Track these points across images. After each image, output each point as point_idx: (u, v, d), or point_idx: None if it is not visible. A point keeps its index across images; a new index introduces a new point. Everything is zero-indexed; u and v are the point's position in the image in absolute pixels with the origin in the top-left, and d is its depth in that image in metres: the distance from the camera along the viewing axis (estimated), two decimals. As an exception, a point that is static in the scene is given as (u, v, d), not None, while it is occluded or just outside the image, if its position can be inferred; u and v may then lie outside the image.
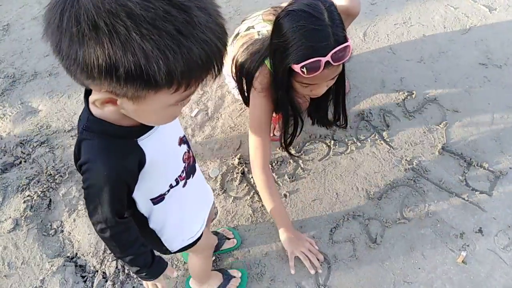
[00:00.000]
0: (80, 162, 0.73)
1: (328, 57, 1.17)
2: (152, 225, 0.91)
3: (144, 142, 0.76)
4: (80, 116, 0.76)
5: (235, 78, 1.61)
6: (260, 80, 1.45)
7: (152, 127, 0.76)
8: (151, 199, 0.85)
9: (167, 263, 0.92)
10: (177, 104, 0.66)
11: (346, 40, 1.21)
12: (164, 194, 0.86)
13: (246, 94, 1.58)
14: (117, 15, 0.51)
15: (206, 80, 0.64)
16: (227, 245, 1.54)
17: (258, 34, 1.55)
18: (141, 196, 0.83)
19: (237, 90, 1.80)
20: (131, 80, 0.56)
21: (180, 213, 0.95)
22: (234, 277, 1.45)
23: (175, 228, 0.96)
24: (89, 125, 0.71)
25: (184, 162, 0.89)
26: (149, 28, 0.52)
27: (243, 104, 1.99)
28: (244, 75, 1.52)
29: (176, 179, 0.88)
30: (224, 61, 0.64)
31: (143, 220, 0.89)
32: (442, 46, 2.19)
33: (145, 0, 0.52)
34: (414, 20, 2.33)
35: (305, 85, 1.33)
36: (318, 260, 1.48)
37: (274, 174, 1.76)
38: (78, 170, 0.76)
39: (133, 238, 0.82)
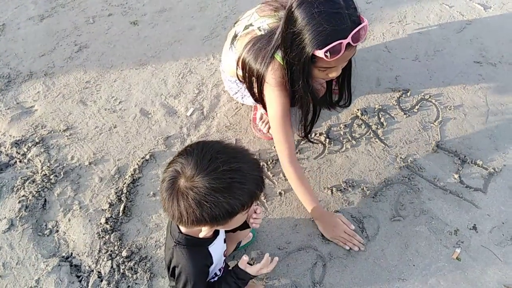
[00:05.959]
0: (174, 264, 1.12)
1: (348, 39, 1.21)
2: None
3: (212, 248, 1.15)
4: (171, 228, 1.14)
5: (243, 79, 1.59)
6: (273, 74, 1.45)
7: (215, 237, 1.15)
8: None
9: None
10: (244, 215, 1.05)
11: (361, 20, 1.24)
12: (212, 278, 1.26)
13: (257, 92, 1.56)
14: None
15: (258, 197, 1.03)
16: (244, 241, 1.57)
17: (260, 30, 1.53)
18: None
19: (239, 95, 1.78)
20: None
21: None
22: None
23: None
24: (180, 240, 1.10)
25: (224, 256, 1.28)
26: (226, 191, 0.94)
27: (238, 103, 2.00)
28: (254, 73, 1.51)
29: (220, 269, 1.27)
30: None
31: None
32: (437, 45, 2.20)
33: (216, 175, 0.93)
34: (410, 19, 2.34)
35: (323, 69, 1.35)
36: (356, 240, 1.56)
37: (269, 173, 1.76)
38: (168, 266, 1.16)
39: None
